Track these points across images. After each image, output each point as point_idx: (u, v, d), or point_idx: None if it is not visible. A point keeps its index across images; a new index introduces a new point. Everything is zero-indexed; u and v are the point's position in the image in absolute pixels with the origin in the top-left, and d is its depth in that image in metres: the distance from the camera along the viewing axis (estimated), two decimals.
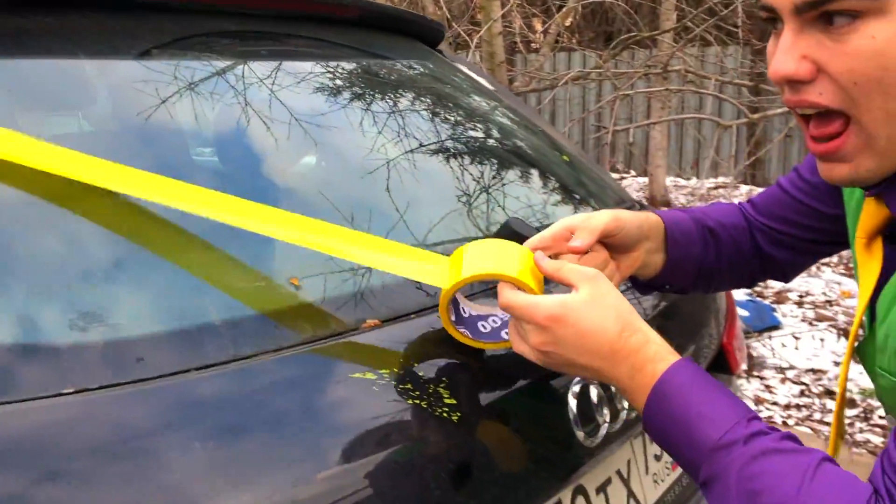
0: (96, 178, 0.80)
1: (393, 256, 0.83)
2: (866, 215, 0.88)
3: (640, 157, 9.58)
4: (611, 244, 0.93)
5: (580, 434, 0.94)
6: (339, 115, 1.24)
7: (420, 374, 0.83)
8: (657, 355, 0.77)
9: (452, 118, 1.46)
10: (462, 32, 4.83)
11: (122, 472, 0.63)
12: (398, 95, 1.40)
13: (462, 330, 0.85)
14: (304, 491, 0.69)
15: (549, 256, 0.85)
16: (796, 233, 1.07)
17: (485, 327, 0.86)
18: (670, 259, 1.00)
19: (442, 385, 0.83)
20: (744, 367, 1.57)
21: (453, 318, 0.84)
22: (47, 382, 0.66)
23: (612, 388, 0.99)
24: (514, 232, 1.03)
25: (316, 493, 0.70)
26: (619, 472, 1.12)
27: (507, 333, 0.83)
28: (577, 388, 0.94)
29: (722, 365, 1.40)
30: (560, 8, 6.03)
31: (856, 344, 0.93)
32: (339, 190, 1.15)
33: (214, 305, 0.81)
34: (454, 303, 0.84)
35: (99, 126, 1.14)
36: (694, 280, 1.07)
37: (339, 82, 1.33)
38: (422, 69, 1.58)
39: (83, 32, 1.03)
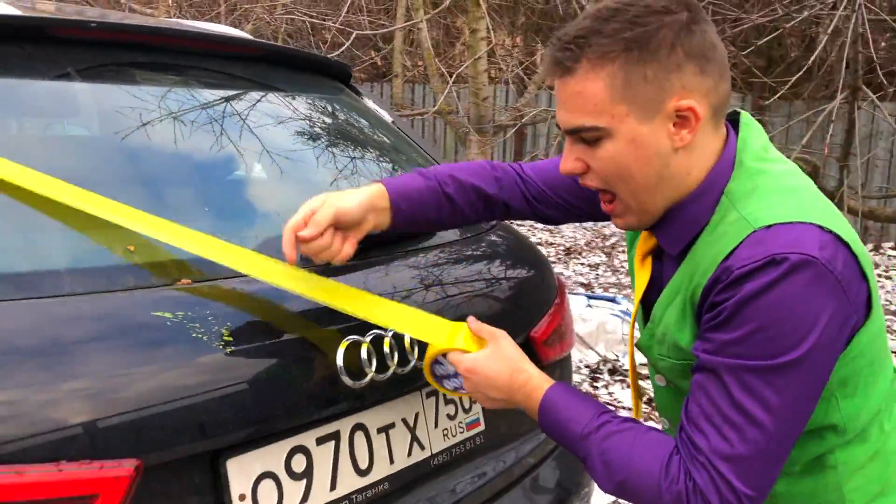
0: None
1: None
2: (642, 240, 1.26)
3: None
4: (338, 225, 1.26)
5: (346, 379, 1.25)
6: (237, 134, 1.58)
7: (209, 317, 1.15)
8: (538, 385, 1.19)
9: (335, 135, 1.80)
10: (442, 68, 5.18)
11: None
12: (293, 120, 1.74)
13: (437, 381, 1.30)
14: (95, 394, 1.02)
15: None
16: (570, 203, 1.44)
17: (448, 383, 1.30)
18: (394, 223, 1.35)
19: (224, 328, 1.15)
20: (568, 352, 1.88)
21: (434, 372, 1.29)
22: None
23: (383, 346, 1.30)
24: None
25: (106, 396, 1.02)
26: (404, 420, 1.43)
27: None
28: (344, 344, 1.26)
29: (531, 354, 1.70)
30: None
31: (635, 341, 1.29)
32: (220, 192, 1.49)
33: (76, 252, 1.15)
34: (434, 362, 1.27)
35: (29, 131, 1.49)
36: (428, 228, 1.53)
37: (240, 108, 1.67)
38: (325, 101, 1.93)
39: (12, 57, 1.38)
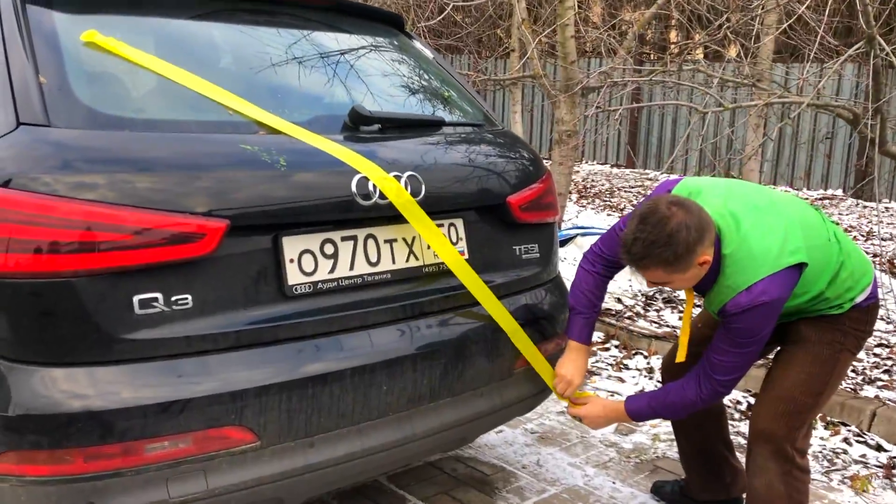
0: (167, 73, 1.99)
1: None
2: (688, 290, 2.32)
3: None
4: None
5: (358, 199, 2.01)
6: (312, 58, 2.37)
7: (273, 150, 1.94)
8: (620, 405, 2.43)
9: (380, 60, 2.56)
10: (528, 36, 5.82)
11: None
12: (344, 51, 2.52)
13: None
14: None
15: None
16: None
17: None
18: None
19: (282, 157, 1.94)
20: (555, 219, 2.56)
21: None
22: None
23: (376, 185, 2.05)
24: (356, 112, 2.13)
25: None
26: (404, 238, 2.17)
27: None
28: (356, 178, 2.01)
29: (508, 215, 2.40)
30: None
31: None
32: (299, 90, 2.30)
33: None
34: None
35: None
36: None
37: (320, 40, 2.46)
38: (381, 41, 2.69)
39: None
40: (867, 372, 4.01)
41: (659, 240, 1.99)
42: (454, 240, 2.30)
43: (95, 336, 1.71)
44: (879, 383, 3.86)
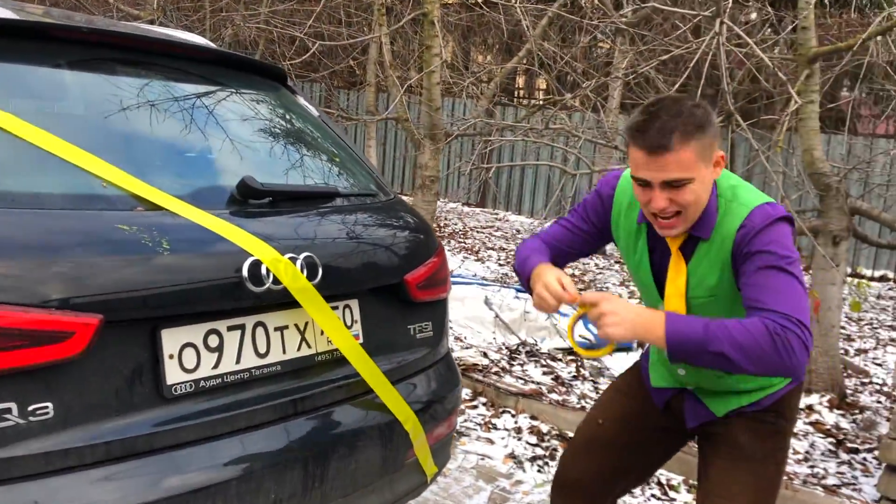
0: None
1: None
2: (671, 242, 1.98)
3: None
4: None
5: (249, 285, 1.81)
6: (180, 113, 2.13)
7: (154, 231, 1.70)
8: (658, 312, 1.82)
9: (265, 120, 2.36)
10: (395, 79, 5.75)
11: None
12: (226, 109, 2.30)
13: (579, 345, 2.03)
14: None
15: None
16: (575, 253, 2.23)
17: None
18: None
19: (164, 240, 1.70)
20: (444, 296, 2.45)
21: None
22: None
23: (270, 269, 1.85)
24: (245, 183, 1.93)
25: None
26: (296, 325, 1.98)
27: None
28: (249, 261, 1.81)
29: (404, 293, 2.26)
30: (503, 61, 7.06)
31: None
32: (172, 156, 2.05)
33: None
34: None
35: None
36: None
37: (189, 96, 2.23)
38: (261, 96, 2.49)
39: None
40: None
41: (683, 109, 1.77)
42: (349, 323, 2.13)
43: None
44: None
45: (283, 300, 1.91)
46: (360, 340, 2.15)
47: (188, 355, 1.75)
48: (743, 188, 1.91)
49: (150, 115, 2.04)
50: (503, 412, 4.27)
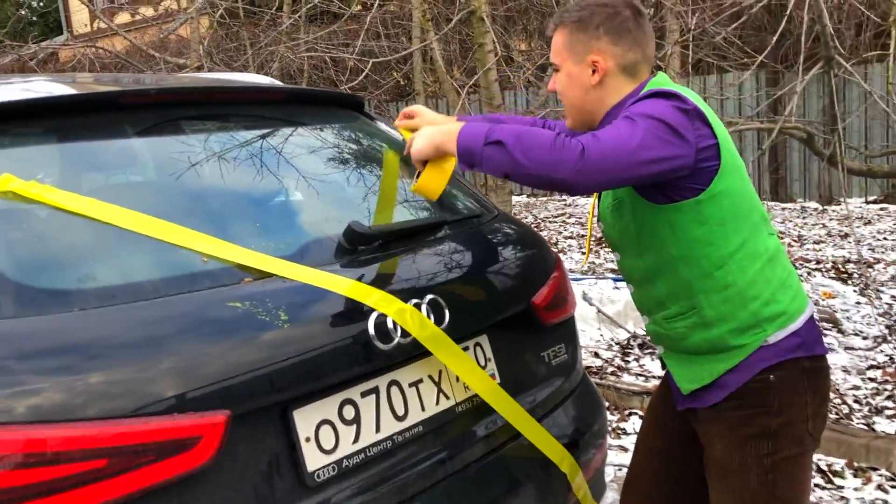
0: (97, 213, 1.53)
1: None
2: None
3: None
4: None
5: (377, 343, 1.61)
6: (272, 161, 1.95)
7: (268, 303, 1.52)
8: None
9: (353, 156, 2.16)
10: (453, 83, 5.53)
11: None
12: (311, 149, 2.11)
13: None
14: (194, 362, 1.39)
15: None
16: None
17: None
18: None
19: (281, 311, 1.52)
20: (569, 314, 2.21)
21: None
22: None
23: (396, 321, 1.65)
24: (353, 230, 1.73)
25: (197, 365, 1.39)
26: (430, 376, 1.78)
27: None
28: (373, 317, 1.61)
29: (534, 319, 2.04)
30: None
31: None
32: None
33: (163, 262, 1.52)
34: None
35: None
36: None
37: (275, 141, 2.05)
38: (343, 128, 2.30)
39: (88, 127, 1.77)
40: (870, 401, 3.83)
41: (582, 5, 1.78)
42: (482, 363, 1.92)
43: None
44: (889, 412, 3.68)
45: (414, 352, 1.71)
46: (497, 380, 1.93)
47: (325, 434, 1.56)
48: (662, 82, 1.76)
49: (234, 171, 1.86)
50: (630, 414, 4.00)
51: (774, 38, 3.96)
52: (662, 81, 1.76)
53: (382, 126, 2.42)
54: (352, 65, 7.21)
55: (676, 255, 1.72)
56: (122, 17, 12.45)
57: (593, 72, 1.74)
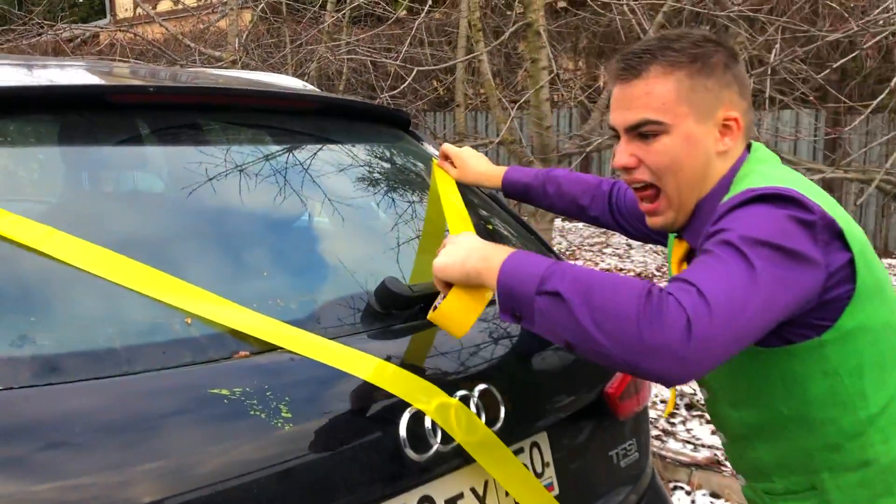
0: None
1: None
2: (675, 249, 1.37)
3: None
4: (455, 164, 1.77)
5: (409, 452, 1.19)
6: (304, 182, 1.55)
7: (267, 393, 1.11)
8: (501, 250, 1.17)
9: (392, 189, 1.76)
10: (502, 99, 5.14)
11: None
12: (364, 169, 1.71)
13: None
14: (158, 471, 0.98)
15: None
16: (644, 233, 1.66)
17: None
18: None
19: (283, 404, 1.11)
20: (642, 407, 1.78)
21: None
22: None
23: (437, 422, 1.23)
24: (387, 289, 1.32)
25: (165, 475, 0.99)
26: (473, 489, 1.36)
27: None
28: (407, 415, 1.20)
29: (605, 411, 1.62)
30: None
31: None
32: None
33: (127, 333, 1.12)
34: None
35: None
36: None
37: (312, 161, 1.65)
38: (385, 148, 1.89)
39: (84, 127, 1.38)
40: None
41: (686, 36, 1.27)
42: (539, 469, 1.49)
43: None
44: None
45: (455, 461, 1.29)
46: (555, 492, 1.51)
47: None
48: (761, 172, 1.21)
49: (243, 197, 1.46)
50: (675, 488, 3.55)
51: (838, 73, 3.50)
52: (764, 158, 1.29)
53: (430, 149, 2.01)
54: (393, 71, 6.84)
55: (788, 415, 1.23)
56: (164, 5, 12.23)
57: (721, 132, 1.26)
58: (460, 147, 1.82)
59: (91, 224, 1.28)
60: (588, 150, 5.60)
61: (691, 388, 4.46)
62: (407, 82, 5.19)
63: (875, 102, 4.20)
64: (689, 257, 1.36)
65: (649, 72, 1.23)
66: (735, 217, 1.11)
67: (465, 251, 1.17)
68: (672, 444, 3.87)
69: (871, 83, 9.20)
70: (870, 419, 1.20)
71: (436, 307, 1.22)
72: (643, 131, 1.24)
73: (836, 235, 1.14)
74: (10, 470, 0.92)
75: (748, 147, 1.31)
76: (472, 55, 6.07)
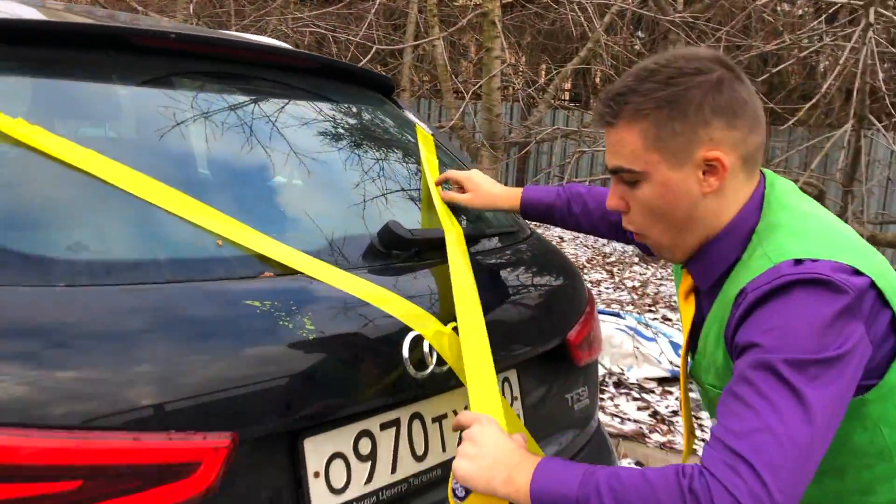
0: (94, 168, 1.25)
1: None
2: (683, 280, 1.37)
3: None
4: (465, 189, 1.75)
5: (410, 370, 1.36)
6: (294, 137, 1.68)
7: (292, 308, 1.25)
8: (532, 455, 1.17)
9: (374, 145, 1.91)
10: (458, 83, 5.30)
11: None
12: (339, 131, 1.85)
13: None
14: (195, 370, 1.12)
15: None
16: None
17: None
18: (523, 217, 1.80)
19: (307, 318, 1.26)
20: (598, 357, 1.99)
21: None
22: None
23: (433, 346, 1.40)
24: (391, 231, 1.48)
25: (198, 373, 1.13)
26: (455, 411, 1.53)
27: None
28: (409, 338, 1.36)
29: (566, 357, 1.81)
30: (561, 66, 6.59)
31: (688, 369, 1.38)
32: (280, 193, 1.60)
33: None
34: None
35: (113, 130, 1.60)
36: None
37: (298, 116, 1.78)
38: (368, 111, 2.04)
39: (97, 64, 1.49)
40: None
41: (661, 71, 1.19)
42: (509, 402, 1.68)
43: None
44: None
45: (444, 384, 1.46)
46: (522, 421, 1.69)
47: (336, 470, 1.29)
48: (788, 228, 1.18)
49: (254, 144, 1.59)
50: None
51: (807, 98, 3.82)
52: (785, 200, 1.23)
53: (411, 117, 2.17)
54: (351, 49, 6.92)
55: (823, 468, 1.11)
56: None
57: (704, 173, 1.19)
58: None
59: (141, 159, 1.39)
60: (537, 140, 5.83)
61: (619, 366, 4.73)
62: (364, 61, 5.30)
63: (797, 116, 4.53)
64: (696, 290, 1.34)
65: (620, 118, 1.20)
66: (770, 320, 1.07)
67: (490, 463, 1.15)
68: (601, 416, 4.13)
69: (795, 98, 9.74)
70: None
71: (458, 497, 1.22)
72: (623, 178, 1.24)
73: (876, 297, 1.12)
74: (80, 357, 1.05)
75: (763, 176, 1.26)
76: (425, 40, 6.21)
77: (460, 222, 1.78)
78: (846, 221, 4.30)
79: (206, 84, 1.68)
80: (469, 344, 1.39)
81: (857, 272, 1.10)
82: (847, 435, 1.16)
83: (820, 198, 4.05)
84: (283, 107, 1.74)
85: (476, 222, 1.87)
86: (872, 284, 1.11)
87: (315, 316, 1.27)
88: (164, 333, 1.13)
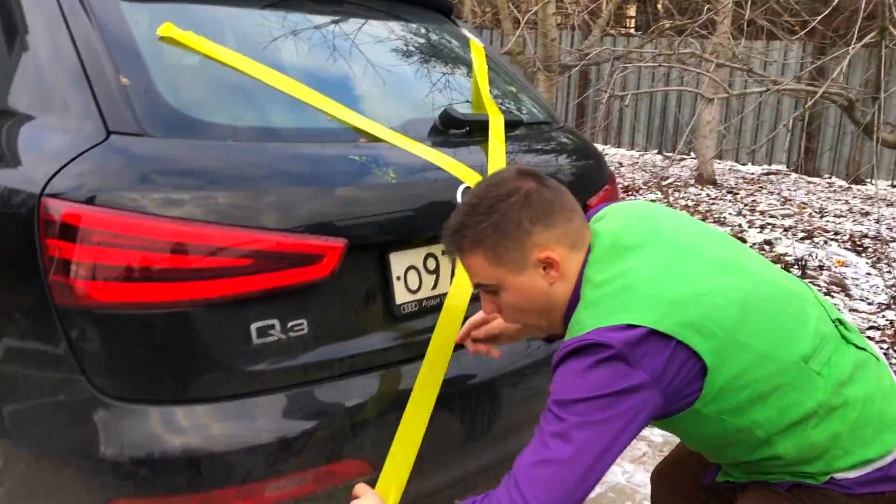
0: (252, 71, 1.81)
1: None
2: None
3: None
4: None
5: None
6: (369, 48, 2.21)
7: (380, 161, 1.80)
8: None
9: (436, 53, 2.43)
10: (515, 12, 5.71)
11: None
12: (409, 41, 2.37)
13: None
14: None
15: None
16: None
17: None
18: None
19: (391, 170, 1.80)
20: None
21: None
22: None
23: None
24: (448, 114, 2.01)
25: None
26: None
27: None
28: (461, 188, 1.90)
29: None
30: None
31: None
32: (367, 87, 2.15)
33: None
34: None
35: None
36: None
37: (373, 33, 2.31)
38: (432, 29, 2.55)
39: None
40: None
41: (481, 203, 1.43)
42: None
43: (212, 370, 1.56)
44: None
45: None
46: None
47: (412, 277, 1.86)
48: (585, 301, 1.41)
49: (348, 50, 2.13)
50: None
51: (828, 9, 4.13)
52: (588, 274, 1.43)
53: (467, 33, 2.67)
54: None
55: (705, 447, 1.54)
56: None
57: (545, 269, 1.43)
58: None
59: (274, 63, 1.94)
60: (585, 61, 6.23)
61: None
62: None
63: (861, 43, 4.77)
64: None
65: (463, 250, 1.45)
66: (556, 380, 1.35)
67: None
68: None
69: (860, 18, 9.76)
70: (769, 434, 1.40)
71: None
72: (486, 290, 1.49)
73: (660, 338, 1.29)
74: (261, 182, 1.62)
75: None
76: None
77: (508, 111, 2.30)
78: (873, 131, 4.60)
79: (317, 6, 2.22)
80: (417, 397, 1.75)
81: (630, 326, 1.30)
82: (702, 430, 1.44)
83: (849, 108, 4.37)
84: (365, 23, 2.27)
85: (516, 112, 2.38)
86: (652, 332, 1.29)
87: (396, 169, 1.82)
88: (302, 175, 1.70)
